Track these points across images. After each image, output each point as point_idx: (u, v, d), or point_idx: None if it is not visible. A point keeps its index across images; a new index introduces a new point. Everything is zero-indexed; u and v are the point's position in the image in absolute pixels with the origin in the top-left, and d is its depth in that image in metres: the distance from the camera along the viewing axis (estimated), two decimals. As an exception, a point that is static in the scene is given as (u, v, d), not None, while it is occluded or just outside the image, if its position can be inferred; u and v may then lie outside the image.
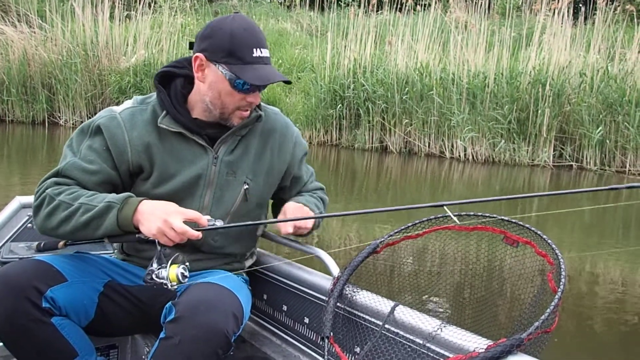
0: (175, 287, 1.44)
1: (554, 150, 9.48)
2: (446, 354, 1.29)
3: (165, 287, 1.44)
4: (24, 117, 11.72)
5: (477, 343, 1.22)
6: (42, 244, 1.66)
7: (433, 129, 9.97)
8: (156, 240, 1.45)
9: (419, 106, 9.94)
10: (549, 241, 1.38)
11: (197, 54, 1.59)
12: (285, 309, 1.83)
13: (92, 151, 1.60)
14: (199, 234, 1.47)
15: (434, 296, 1.65)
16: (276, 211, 1.90)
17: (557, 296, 1.23)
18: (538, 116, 9.33)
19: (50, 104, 11.76)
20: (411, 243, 1.62)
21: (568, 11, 10.03)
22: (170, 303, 1.46)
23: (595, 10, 10.40)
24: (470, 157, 9.72)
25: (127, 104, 1.69)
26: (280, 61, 12.47)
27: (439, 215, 1.58)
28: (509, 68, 9.83)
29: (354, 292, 1.57)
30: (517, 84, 9.56)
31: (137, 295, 1.64)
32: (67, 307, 1.48)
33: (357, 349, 1.50)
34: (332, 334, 1.48)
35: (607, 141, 9.17)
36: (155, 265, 1.44)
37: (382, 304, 1.49)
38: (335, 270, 1.67)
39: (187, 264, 1.48)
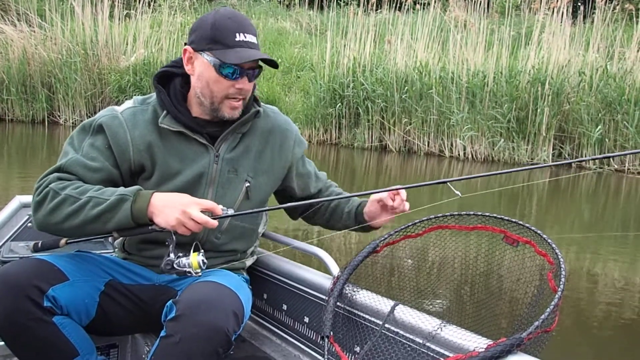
0: (200, 273, 1.46)
1: (553, 149, 9.49)
2: (446, 353, 1.29)
3: (189, 274, 1.46)
4: (24, 116, 11.71)
5: (477, 342, 1.23)
6: (39, 244, 1.60)
7: (432, 127, 9.98)
8: (172, 231, 1.46)
9: (418, 105, 9.94)
10: (549, 240, 1.38)
11: (185, 47, 1.63)
12: (286, 308, 1.83)
13: (94, 149, 1.60)
14: (216, 223, 1.48)
15: (434, 295, 1.65)
16: (294, 215, 1.95)
17: (557, 295, 1.24)
18: (537, 115, 9.34)
19: (50, 103, 11.76)
20: (411, 242, 1.62)
21: (567, 10, 10.03)
22: (170, 301, 1.45)
23: (594, 9, 10.41)
24: (470, 156, 9.72)
25: (128, 104, 1.69)
26: (279, 60, 12.46)
27: (438, 215, 1.58)
28: (508, 67, 9.83)
29: (354, 291, 1.57)
30: (516, 82, 9.57)
31: (138, 294, 1.64)
32: (68, 306, 1.48)
33: (357, 349, 1.50)
34: (332, 333, 1.48)
35: (606, 140, 9.18)
36: (172, 256, 1.46)
37: (382, 304, 1.49)
38: (335, 269, 1.67)
39: (203, 251, 1.50)
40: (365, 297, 1.54)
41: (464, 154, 9.76)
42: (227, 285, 1.50)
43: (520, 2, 12.65)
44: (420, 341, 1.35)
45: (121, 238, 1.69)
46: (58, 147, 9.82)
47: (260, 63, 1.63)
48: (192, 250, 1.47)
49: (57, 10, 12.01)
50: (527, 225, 1.43)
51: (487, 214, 1.49)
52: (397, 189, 1.67)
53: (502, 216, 1.48)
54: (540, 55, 9.84)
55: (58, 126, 11.59)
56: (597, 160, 9.20)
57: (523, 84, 9.53)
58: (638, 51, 9.59)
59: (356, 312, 1.54)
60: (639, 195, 8.26)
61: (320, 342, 1.63)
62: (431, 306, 1.60)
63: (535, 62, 9.71)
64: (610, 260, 4.96)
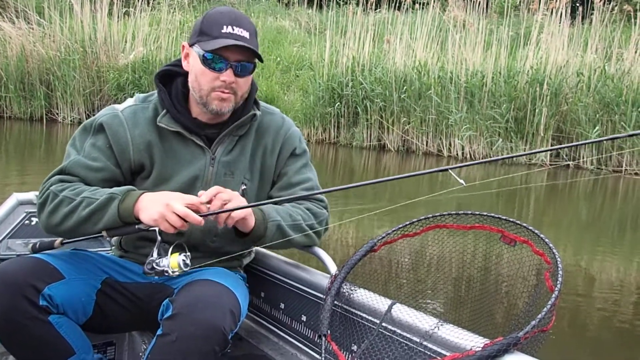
0: (177, 273, 1.43)
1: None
2: (443, 352, 1.29)
3: (167, 274, 1.43)
4: (22, 113, 11.69)
5: (474, 341, 1.23)
6: (37, 245, 1.63)
7: (431, 127, 9.98)
8: (157, 230, 1.45)
9: (417, 105, 9.94)
10: (546, 240, 1.38)
11: (183, 43, 1.64)
12: (283, 307, 1.83)
13: (95, 149, 1.60)
14: (201, 219, 1.44)
15: (431, 294, 1.66)
16: None
17: (554, 295, 1.24)
18: (535, 115, 9.35)
19: (48, 100, 11.74)
20: (409, 241, 1.62)
21: (566, 11, 10.04)
22: (167, 300, 1.45)
23: (593, 10, 10.42)
24: (468, 156, 9.73)
25: (129, 101, 1.69)
26: (278, 59, 12.47)
27: (436, 214, 1.58)
28: (506, 67, 9.85)
29: (352, 290, 1.57)
30: (514, 83, 9.58)
31: (135, 292, 1.64)
32: (64, 305, 1.48)
33: (354, 347, 1.51)
34: (329, 332, 1.49)
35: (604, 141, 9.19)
36: (155, 255, 1.44)
37: (380, 302, 1.49)
38: (332, 268, 1.67)
39: (189, 253, 1.48)
40: (362, 295, 1.54)
41: (462, 153, 9.76)
42: (223, 284, 1.50)
43: (519, 2, 12.66)
44: (418, 340, 1.35)
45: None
46: (56, 144, 9.81)
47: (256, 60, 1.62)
48: (170, 251, 1.45)
49: (55, 7, 12.00)
50: (524, 224, 1.44)
51: (485, 213, 1.49)
52: (384, 181, 1.58)
53: (500, 216, 1.48)
54: (538, 55, 9.86)
55: (56, 124, 11.57)
56: (594, 161, 9.22)
57: (521, 84, 9.54)
58: (636, 52, 9.61)
59: (353, 310, 1.54)
60: (635, 196, 8.28)
61: (318, 341, 1.63)
62: (428, 305, 1.60)
63: (533, 62, 9.72)
64: (607, 260, 4.97)
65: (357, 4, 11.87)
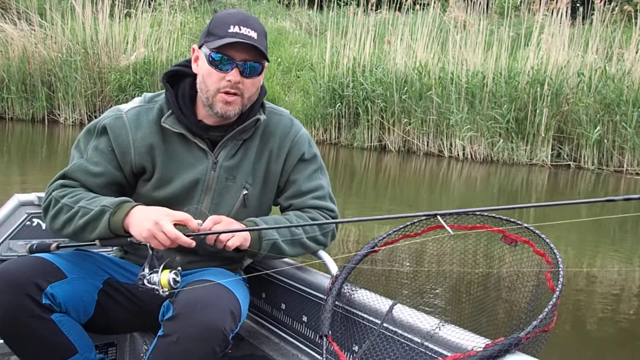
0: (167, 292, 1.43)
1: (552, 150, 9.50)
2: (444, 352, 1.29)
3: (157, 292, 1.43)
4: (24, 114, 11.70)
5: (475, 342, 1.23)
6: (34, 246, 1.64)
7: (432, 128, 9.98)
8: (148, 245, 1.45)
9: (417, 105, 9.94)
10: (547, 240, 1.38)
11: (193, 46, 1.63)
12: (284, 308, 1.84)
13: (98, 152, 1.61)
14: (192, 242, 1.44)
15: (432, 295, 1.65)
16: None
17: (555, 295, 1.24)
18: (536, 116, 9.34)
19: (50, 101, 11.74)
20: (409, 242, 1.62)
21: (566, 11, 10.03)
22: (168, 301, 1.46)
23: (593, 10, 10.41)
24: (469, 156, 9.73)
25: (135, 102, 1.69)
26: (279, 60, 12.47)
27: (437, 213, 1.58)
28: (507, 68, 9.84)
29: (352, 290, 1.57)
30: (515, 83, 9.57)
31: (136, 293, 1.63)
32: (66, 304, 1.49)
33: (356, 348, 1.51)
34: (330, 332, 1.49)
35: (605, 141, 9.19)
36: (147, 270, 1.44)
37: (381, 303, 1.49)
38: (333, 269, 1.67)
39: (180, 268, 1.48)
40: (363, 296, 1.54)
41: (463, 154, 9.76)
42: (224, 285, 1.50)
43: (520, 3, 12.65)
44: (419, 340, 1.35)
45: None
46: (58, 145, 9.82)
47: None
48: (162, 268, 1.44)
49: (57, 9, 12.01)
50: (525, 225, 1.44)
51: (486, 213, 1.49)
52: (373, 220, 1.61)
53: (501, 216, 1.48)
54: (539, 56, 9.85)
55: (58, 125, 11.58)
56: (595, 162, 9.22)
57: (522, 85, 9.54)
58: (636, 52, 9.60)
59: (354, 311, 1.54)
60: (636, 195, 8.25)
61: (319, 341, 1.63)
62: (429, 305, 1.60)
63: (534, 62, 9.71)
64: (608, 260, 4.96)
65: (358, 5, 11.88)
